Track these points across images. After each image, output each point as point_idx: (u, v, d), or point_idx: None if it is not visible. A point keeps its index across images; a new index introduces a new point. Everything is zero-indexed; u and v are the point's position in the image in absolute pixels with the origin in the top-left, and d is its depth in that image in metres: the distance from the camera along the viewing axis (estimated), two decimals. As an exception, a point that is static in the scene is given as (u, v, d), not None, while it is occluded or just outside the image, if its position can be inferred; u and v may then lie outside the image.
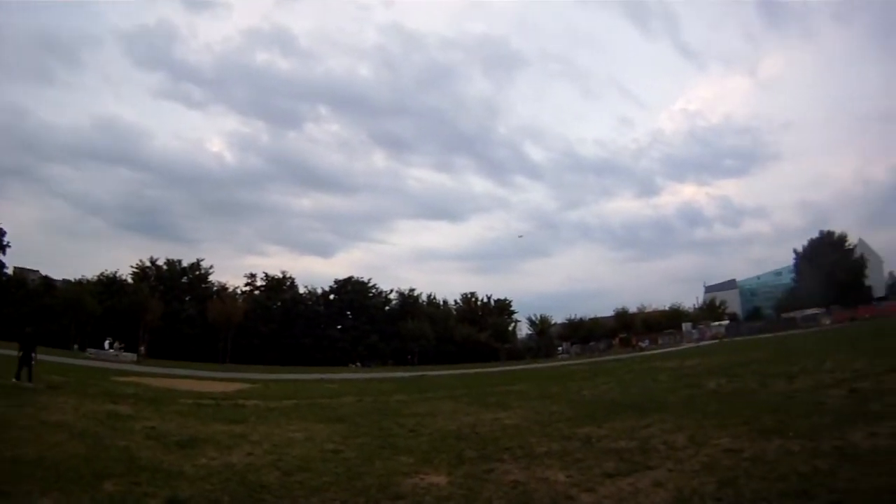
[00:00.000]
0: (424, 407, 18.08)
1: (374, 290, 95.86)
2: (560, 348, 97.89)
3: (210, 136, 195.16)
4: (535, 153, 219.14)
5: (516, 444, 10.37)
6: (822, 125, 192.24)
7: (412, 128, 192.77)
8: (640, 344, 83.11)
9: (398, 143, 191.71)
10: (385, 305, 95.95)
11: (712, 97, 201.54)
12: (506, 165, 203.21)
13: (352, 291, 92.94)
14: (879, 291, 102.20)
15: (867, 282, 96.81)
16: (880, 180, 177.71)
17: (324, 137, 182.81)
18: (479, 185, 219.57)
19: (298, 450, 10.24)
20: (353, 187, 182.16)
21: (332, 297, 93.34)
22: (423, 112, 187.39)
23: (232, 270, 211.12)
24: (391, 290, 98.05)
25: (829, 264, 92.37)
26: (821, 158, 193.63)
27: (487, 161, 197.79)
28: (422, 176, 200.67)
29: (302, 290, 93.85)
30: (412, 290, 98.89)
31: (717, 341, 69.02)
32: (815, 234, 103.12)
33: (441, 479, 7.80)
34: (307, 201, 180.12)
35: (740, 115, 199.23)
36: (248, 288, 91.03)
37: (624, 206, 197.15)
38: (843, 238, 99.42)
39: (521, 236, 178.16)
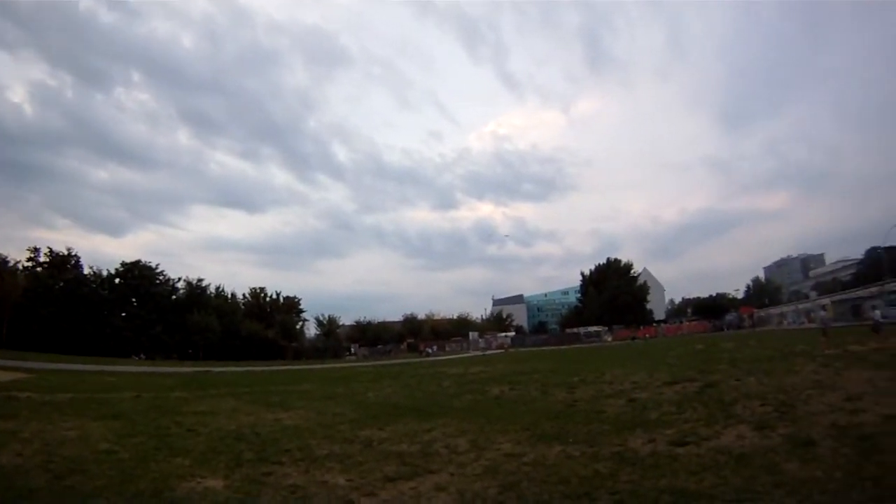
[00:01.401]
0: (205, 405, 18.18)
1: (161, 277, 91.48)
2: (352, 349, 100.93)
3: (13, 83, 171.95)
4: (341, 153, 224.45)
5: (296, 445, 10.48)
6: (622, 165, 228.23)
7: (223, 109, 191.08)
8: (427, 350, 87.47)
9: (206, 123, 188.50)
10: (172, 294, 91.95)
11: (523, 125, 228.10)
12: (310, 161, 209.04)
13: (139, 276, 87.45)
14: (660, 315, 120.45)
15: (649, 306, 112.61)
16: (669, 220, 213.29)
17: (131, 105, 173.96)
18: (280, 177, 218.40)
19: (71, 450, 9.91)
20: (153, 163, 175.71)
21: (117, 280, 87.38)
22: (237, 94, 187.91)
23: (15, 242, 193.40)
24: (179, 279, 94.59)
25: (614, 288, 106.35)
26: (616, 194, 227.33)
27: (293, 154, 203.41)
28: (224, 160, 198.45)
29: (87, 270, 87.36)
30: (200, 280, 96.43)
31: (502, 351, 74.81)
32: (603, 261, 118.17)
33: (218, 483, 7.72)
34: (103, 173, 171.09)
35: (547, 145, 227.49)
36: (30, 264, 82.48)
37: (422, 216, 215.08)
38: (629, 266, 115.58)
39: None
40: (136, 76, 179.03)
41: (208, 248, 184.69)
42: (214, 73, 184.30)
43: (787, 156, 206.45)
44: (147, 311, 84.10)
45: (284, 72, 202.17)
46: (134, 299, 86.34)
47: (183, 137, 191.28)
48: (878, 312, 26.32)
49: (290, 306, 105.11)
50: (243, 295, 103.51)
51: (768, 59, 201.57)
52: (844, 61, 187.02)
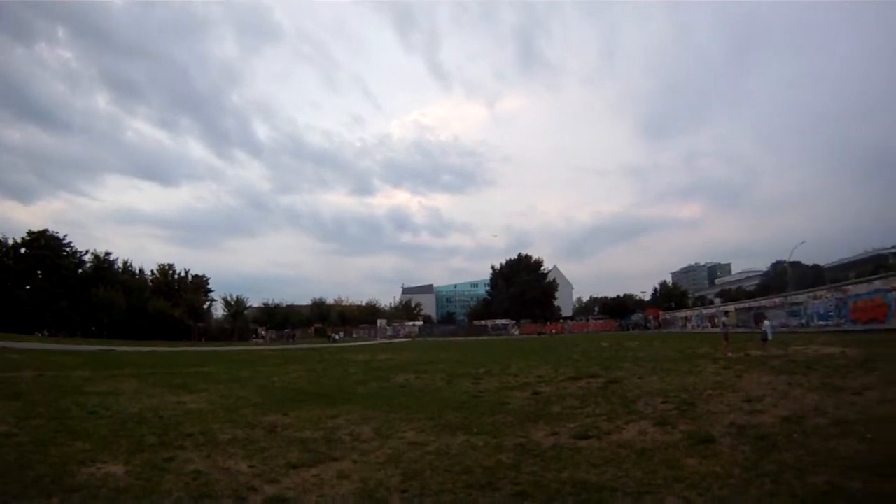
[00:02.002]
0: (107, 385, 17.99)
1: (68, 249, 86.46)
2: (262, 332, 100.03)
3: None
4: (262, 130, 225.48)
5: (199, 430, 10.43)
6: (541, 165, 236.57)
7: (146, 75, 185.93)
8: (335, 335, 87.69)
9: (127, 88, 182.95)
10: (78, 268, 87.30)
11: (447, 116, 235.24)
12: (230, 136, 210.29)
13: (45, 247, 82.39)
14: (567, 312, 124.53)
15: (557, 303, 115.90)
16: (583, 221, 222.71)
17: (53, 63, 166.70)
18: (197, 150, 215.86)
19: (-33, 434, 9.66)
20: (69, 127, 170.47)
21: (23, 251, 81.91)
22: (162, 60, 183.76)
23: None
24: (86, 252, 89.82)
25: (524, 283, 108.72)
26: (533, 192, 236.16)
27: (212, 128, 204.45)
28: (142, 129, 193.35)
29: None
30: (108, 253, 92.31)
31: (410, 339, 75.50)
32: (515, 256, 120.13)
33: (118, 469, 7.61)
34: (17, 134, 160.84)
35: (469, 139, 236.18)
36: (-66, 230, 76.12)
37: (337, 199, 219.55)
38: (539, 263, 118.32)
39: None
40: (61, 32, 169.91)
41: (119, 220, 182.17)
42: (142, 37, 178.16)
43: (704, 170, 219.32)
44: (52, 285, 79.88)
45: (213, 42, 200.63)
46: (39, 271, 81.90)
47: (102, 102, 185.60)
48: (767, 323, 28.20)
49: (199, 285, 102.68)
50: (151, 271, 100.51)
51: (694, 78, 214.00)
52: (766, 87, 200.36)
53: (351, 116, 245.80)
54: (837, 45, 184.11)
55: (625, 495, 5.91)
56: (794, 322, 47.94)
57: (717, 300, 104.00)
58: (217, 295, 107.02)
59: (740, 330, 46.35)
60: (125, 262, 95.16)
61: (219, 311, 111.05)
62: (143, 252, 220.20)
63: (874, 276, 43.48)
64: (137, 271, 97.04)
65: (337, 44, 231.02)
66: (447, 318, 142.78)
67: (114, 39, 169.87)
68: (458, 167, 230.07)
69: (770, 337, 24.84)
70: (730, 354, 22.27)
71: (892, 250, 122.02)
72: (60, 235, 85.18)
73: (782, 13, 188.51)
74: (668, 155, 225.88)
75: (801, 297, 48.98)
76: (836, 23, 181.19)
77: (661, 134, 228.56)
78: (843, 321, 40.70)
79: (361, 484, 6.76)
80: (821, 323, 43.84)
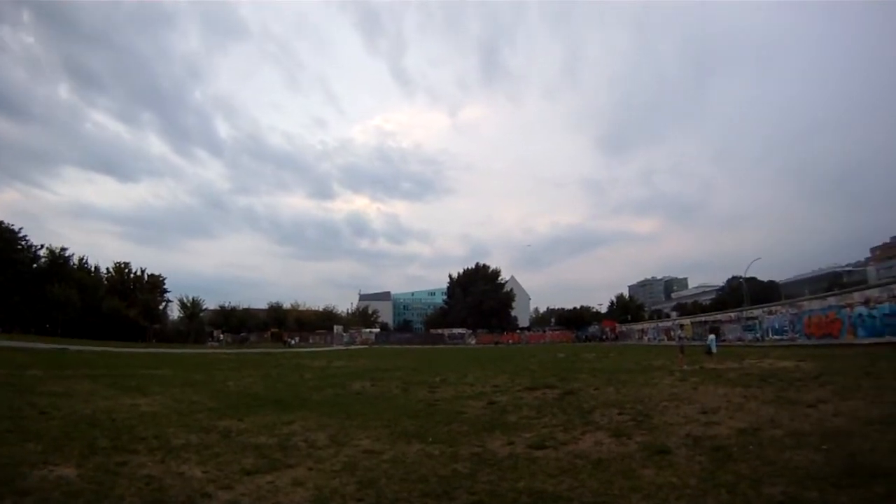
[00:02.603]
0: (60, 386, 17.93)
1: (23, 243, 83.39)
2: (215, 335, 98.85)
3: None
4: (223, 129, 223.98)
5: (153, 434, 10.31)
6: (500, 175, 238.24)
7: (109, 66, 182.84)
8: (290, 340, 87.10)
9: (89, 78, 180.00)
10: (33, 263, 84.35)
11: (409, 123, 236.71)
12: (190, 133, 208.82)
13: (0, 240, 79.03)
14: (524, 322, 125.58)
15: (514, 312, 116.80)
16: (540, 232, 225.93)
17: (16, 48, 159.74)
18: (157, 146, 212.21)
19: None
20: (27, 115, 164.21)
21: None
22: (126, 52, 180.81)
23: None
24: (41, 246, 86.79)
25: (481, 293, 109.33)
26: (492, 202, 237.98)
27: (173, 123, 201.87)
28: (102, 122, 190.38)
29: (-57, 231, 77.57)
30: (64, 249, 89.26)
31: (366, 346, 75.33)
32: (472, 265, 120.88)
33: (70, 472, 7.48)
34: None
35: (431, 147, 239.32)
36: None
37: (296, 202, 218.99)
38: (496, 272, 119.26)
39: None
40: (26, 15, 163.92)
41: (75, 214, 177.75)
42: (108, 26, 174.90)
43: (661, 185, 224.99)
44: (6, 279, 76.59)
45: (177, 36, 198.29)
46: (-7, 265, 78.58)
47: (63, 91, 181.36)
48: (711, 337, 29.21)
49: (154, 285, 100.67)
50: (107, 269, 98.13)
51: (656, 95, 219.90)
52: (723, 107, 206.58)
53: (313, 118, 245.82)
54: (794, 68, 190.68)
55: (581, 505, 5.91)
56: (749, 336, 49.11)
57: (674, 313, 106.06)
58: (173, 296, 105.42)
59: (696, 343, 47.22)
60: (80, 259, 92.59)
61: (175, 312, 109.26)
62: (97, 248, 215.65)
63: (829, 293, 44.83)
64: (93, 268, 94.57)
65: (301, 44, 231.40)
66: (404, 326, 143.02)
67: (78, 27, 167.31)
68: (419, 175, 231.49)
69: (714, 350, 25.44)
70: (685, 367, 22.67)
71: (846, 268, 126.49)
72: (15, 228, 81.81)
73: (741, 37, 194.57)
74: (627, 169, 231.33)
75: (757, 312, 50.21)
76: (794, 46, 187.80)
77: (620, 148, 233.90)
78: (797, 336, 41.88)
79: (316, 491, 6.70)
80: (776, 337, 45.04)
